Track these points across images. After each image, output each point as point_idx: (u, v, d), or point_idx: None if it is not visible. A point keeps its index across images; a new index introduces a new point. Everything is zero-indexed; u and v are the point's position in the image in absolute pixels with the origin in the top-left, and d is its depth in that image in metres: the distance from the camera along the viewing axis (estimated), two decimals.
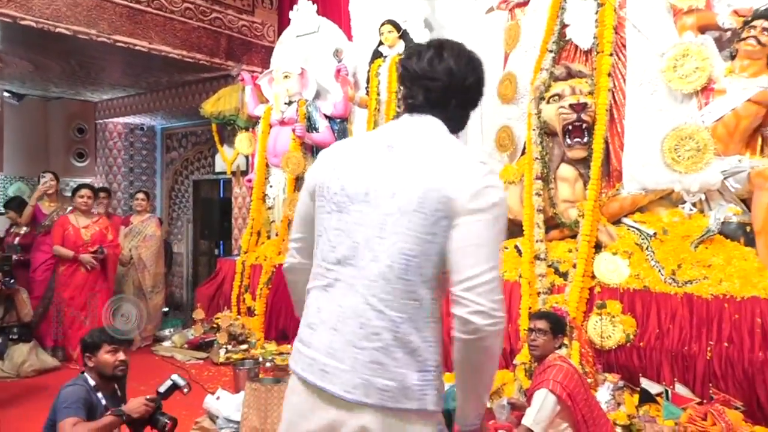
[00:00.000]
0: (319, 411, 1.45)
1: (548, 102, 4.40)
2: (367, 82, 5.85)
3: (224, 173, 7.88)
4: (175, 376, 2.77)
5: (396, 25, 5.54)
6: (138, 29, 6.24)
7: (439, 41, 1.56)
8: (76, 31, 5.79)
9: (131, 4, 6.16)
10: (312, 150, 6.43)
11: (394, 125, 1.56)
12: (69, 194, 6.37)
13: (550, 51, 4.60)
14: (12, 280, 5.25)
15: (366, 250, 1.43)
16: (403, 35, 5.55)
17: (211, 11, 6.89)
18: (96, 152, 9.24)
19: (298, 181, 6.35)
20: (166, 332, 6.67)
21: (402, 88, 1.58)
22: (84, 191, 5.83)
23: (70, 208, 6.00)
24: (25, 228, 6.05)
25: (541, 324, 3.08)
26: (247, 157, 7.36)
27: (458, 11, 5.63)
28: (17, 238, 6.04)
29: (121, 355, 2.78)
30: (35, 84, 8.11)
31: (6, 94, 8.14)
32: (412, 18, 5.57)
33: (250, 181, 6.82)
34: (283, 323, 5.91)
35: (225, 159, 7.55)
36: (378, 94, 5.66)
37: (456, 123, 1.55)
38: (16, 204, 6.20)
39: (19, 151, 8.74)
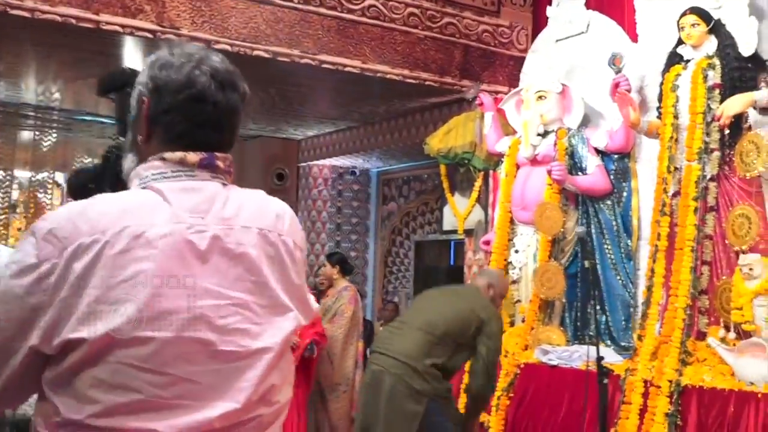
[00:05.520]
0: None
1: None
2: (660, 100, 5.55)
3: (455, 232, 7.98)
4: None
5: (704, 15, 5.24)
6: (349, 45, 6.62)
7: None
8: (276, 53, 6.31)
9: (342, 14, 6.55)
10: (576, 200, 6.20)
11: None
12: None
13: None
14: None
15: None
16: (715, 28, 5.23)
17: (441, 15, 7.07)
18: (297, 204, 10.03)
19: (554, 245, 6.15)
20: None
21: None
22: None
23: None
24: None
25: None
26: (486, 211, 7.37)
27: None
28: None
29: None
30: None
31: None
32: (729, 3, 5.27)
33: (488, 243, 6.74)
34: None
35: (456, 213, 7.64)
36: (675, 117, 5.33)
37: None
38: None
39: None
